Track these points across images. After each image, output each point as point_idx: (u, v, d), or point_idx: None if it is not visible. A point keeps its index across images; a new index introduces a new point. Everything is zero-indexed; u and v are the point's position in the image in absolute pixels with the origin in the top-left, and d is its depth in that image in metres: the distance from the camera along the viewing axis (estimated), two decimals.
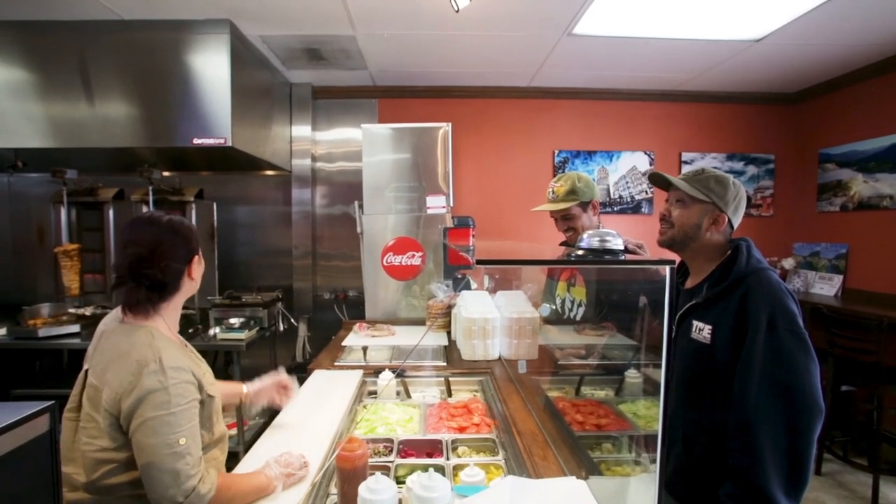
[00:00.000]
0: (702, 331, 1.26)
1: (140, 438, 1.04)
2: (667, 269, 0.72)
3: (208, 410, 1.18)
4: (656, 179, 1.46)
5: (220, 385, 1.38)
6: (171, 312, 1.23)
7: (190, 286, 1.25)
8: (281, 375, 1.65)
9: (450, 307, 2.87)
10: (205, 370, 1.26)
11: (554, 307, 2.21)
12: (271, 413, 1.75)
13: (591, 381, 2.01)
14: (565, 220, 2.06)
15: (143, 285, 1.15)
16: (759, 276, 1.21)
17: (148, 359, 1.07)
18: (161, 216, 1.24)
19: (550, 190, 2.06)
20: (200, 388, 1.15)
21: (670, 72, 3.72)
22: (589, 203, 2.02)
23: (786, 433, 1.07)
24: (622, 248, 0.76)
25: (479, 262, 0.77)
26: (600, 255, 0.75)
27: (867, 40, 3.07)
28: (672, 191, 1.41)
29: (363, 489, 0.87)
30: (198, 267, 1.25)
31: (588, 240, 0.78)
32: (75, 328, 3.07)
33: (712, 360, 1.23)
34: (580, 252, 0.78)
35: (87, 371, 1.15)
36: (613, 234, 0.78)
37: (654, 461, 1.00)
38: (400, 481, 1.27)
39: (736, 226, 1.35)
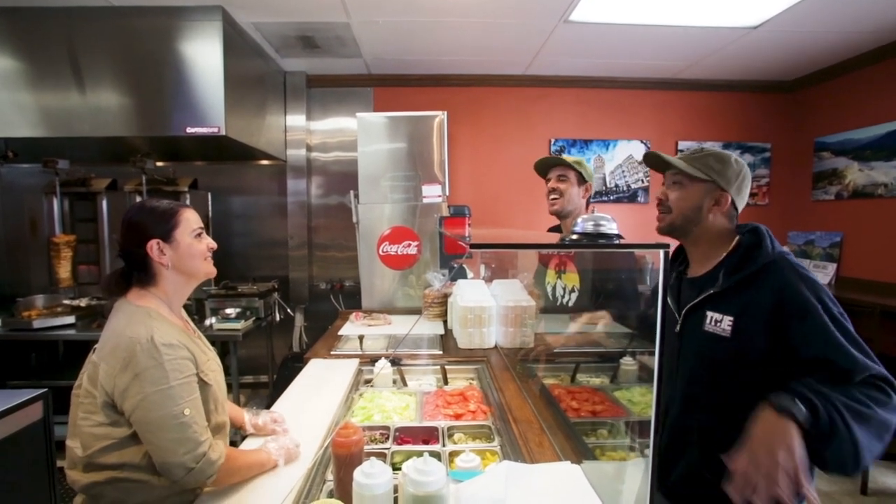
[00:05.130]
0: (719, 322, 1.16)
1: (142, 415, 1.04)
2: (661, 254, 0.72)
3: (205, 395, 1.17)
4: (652, 159, 1.36)
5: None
6: (168, 296, 1.22)
7: (167, 273, 1.20)
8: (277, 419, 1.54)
9: (446, 296, 2.87)
10: (209, 358, 1.27)
11: (541, 293, 2.22)
12: (268, 402, 1.75)
13: (587, 368, 2.03)
14: (558, 181, 2.09)
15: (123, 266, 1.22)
16: (788, 262, 1.13)
17: (140, 336, 1.07)
18: (142, 201, 1.28)
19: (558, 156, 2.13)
20: (197, 367, 1.16)
21: (667, 60, 3.70)
22: (584, 183, 2.08)
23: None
24: (616, 232, 0.76)
25: (472, 245, 0.77)
26: (594, 239, 0.75)
27: (863, 28, 3.06)
28: (668, 172, 1.32)
29: (358, 474, 0.87)
30: (164, 252, 1.18)
31: (582, 224, 0.78)
32: (70, 319, 3.07)
33: (736, 352, 1.14)
34: (574, 237, 0.78)
35: (94, 348, 1.16)
36: (608, 218, 0.78)
37: (647, 446, 1.01)
38: (396, 468, 1.28)
39: (740, 207, 1.26)
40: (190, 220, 1.24)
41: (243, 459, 1.18)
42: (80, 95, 2.85)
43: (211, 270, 1.29)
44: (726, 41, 3.29)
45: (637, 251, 1.76)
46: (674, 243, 1.38)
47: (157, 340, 1.08)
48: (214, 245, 1.30)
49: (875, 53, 3.42)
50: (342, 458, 1.03)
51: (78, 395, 1.14)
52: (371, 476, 0.85)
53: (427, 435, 1.55)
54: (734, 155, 1.26)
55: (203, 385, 1.17)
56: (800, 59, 3.64)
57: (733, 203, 1.24)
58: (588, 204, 2.13)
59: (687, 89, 4.19)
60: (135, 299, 1.17)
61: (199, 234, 1.26)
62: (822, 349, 1.02)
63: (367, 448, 1.41)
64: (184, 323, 1.28)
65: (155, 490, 1.09)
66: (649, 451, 1.02)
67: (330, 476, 1.25)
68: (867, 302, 2.85)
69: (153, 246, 1.17)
